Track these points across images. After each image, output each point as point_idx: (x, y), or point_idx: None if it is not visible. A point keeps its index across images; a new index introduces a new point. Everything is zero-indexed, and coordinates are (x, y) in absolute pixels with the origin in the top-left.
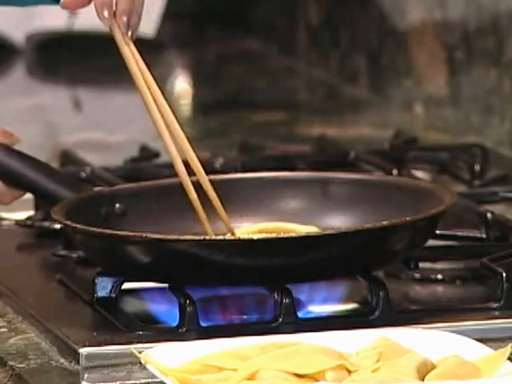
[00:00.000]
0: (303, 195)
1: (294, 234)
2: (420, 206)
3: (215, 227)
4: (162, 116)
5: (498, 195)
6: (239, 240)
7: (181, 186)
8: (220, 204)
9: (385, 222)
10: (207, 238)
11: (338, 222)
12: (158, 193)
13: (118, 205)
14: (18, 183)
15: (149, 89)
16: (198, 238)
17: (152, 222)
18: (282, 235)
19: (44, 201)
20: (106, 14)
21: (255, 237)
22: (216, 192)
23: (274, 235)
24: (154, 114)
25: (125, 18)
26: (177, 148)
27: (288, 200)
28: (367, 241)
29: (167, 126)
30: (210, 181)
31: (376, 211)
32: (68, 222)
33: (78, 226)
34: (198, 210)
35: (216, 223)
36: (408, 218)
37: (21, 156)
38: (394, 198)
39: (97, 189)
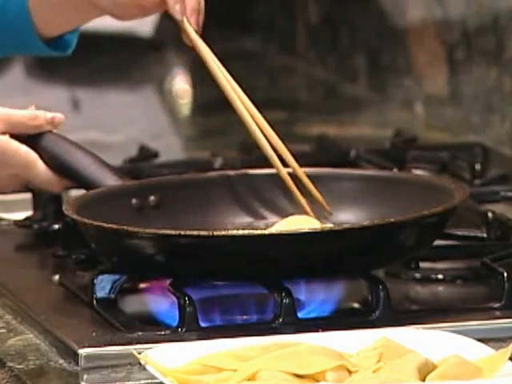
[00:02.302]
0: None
1: (295, 230)
2: (430, 202)
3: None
4: (247, 110)
5: (499, 194)
6: (237, 235)
7: (218, 180)
8: (315, 189)
9: (385, 220)
10: (201, 233)
11: (345, 218)
12: (195, 186)
13: (152, 197)
14: (65, 172)
15: (229, 83)
16: (195, 233)
17: (185, 215)
18: (282, 231)
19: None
20: (177, 8)
21: (254, 232)
22: (310, 179)
23: (272, 231)
24: (240, 109)
25: (195, 16)
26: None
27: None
28: (371, 238)
29: (253, 119)
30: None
31: (384, 207)
32: (66, 211)
33: (76, 217)
34: (295, 193)
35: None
36: (411, 215)
37: (69, 145)
38: (403, 194)
39: (132, 181)
